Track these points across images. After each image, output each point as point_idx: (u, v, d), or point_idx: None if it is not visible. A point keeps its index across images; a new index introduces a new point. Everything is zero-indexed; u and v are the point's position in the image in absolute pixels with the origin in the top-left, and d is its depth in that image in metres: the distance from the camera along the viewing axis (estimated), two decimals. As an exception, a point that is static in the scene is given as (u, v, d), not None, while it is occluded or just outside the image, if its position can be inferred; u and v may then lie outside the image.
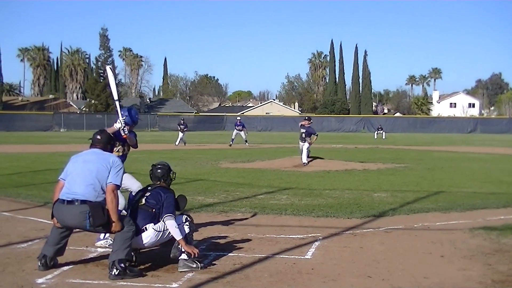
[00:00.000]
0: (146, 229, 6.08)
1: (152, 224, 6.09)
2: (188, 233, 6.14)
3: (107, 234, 6.83)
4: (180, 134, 32.31)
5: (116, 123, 7.08)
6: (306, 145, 19.04)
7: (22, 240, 7.32)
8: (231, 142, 32.09)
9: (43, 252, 5.89)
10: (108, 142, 6.33)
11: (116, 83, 8.08)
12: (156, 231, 6.09)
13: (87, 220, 5.67)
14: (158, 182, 6.39)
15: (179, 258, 6.02)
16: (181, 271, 5.94)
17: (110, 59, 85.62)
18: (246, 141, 32.68)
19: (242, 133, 32.94)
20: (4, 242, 7.23)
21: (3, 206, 10.07)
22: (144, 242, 6.09)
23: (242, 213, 9.51)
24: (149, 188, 6.38)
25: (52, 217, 5.93)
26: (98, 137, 6.27)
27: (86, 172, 5.85)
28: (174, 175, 6.59)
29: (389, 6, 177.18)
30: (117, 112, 7.28)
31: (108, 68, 7.67)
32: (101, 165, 5.90)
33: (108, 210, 5.78)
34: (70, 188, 5.82)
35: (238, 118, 35.60)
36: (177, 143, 31.70)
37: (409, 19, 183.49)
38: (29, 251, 6.69)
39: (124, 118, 7.27)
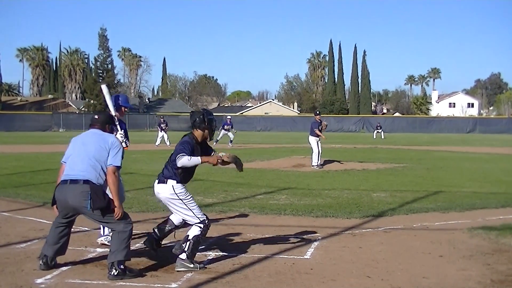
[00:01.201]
0: (165, 183, 6.11)
1: (175, 181, 6.08)
2: (196, 236, 6.08)
3: (107, 231, 6.85)
4: (160, 134, 31.85)
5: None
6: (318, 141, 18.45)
7: (21, 240, 7.32)
8: (214, 142, 32.07)
9: (43, 252, 5.87)
10: (106, 121, 6.27)
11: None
12: (175, 193, 6.07)
13: (88, 201, 5.59)
14: (193, 130, 6.34)
15: (178, 256, 6.03)
16: (178, 271, 5.94)
17: (109, 59, 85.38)
18: (231, 141, 32.59)
19: (230, 133, 32.85)
20: (3, 242, 7.24)
21: (2, 206, 10.08)
22: (157, 192, 6.16)
23: (241, 213, 9.52)
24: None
25: (53, 204, 5.88)
26: (96, 117, 6.24)
27: (85, 154, 5.80)
28: (214, 122, 6.45)
29: (388, 6, 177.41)
30: (116, 127, 7.24)
31: (103, 86, 7.62)
32: (99, 145, 5.86)
33: (108, 196, 5.77)
34: (72, 169, 5.78)
35: (229, 117, 35.08)
36: (157, 143, 31.30)
37: (408, 19, 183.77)
38: (28, 251, 6.69)
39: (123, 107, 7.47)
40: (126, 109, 7.73)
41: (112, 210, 5.73)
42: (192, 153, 6.05)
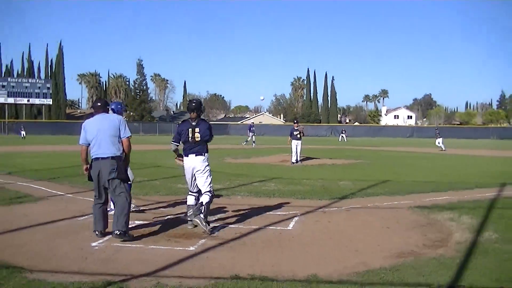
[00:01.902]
0: (203, 155, 6.33)
1: (207, 153, 6.39)
2: (207, 202, 6.21)
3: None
4: None
5: None
6: (299, 143, 17.88)
7: (81, 215, 7.33)
8: (249, 143, 31.85)
9: (96, 229, 5.89)
10: (106, 104, 6.27)
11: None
12: (208, 163, 6.35)
13: (115, 172, 5.73)
14: (192, 113, 6.43)
15: (197, 215, 6.11)
16: (193, 220, 6.15)
17: (144, 82, 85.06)
18: (246, 141, 32.65)
19: (253, 137, 32.63)
20: (68, 216, 7.25)
21: (67, 190, 10.05)
22: (194, 162, 6.31)
23: (241, 196, 9.51)
24: (193, 123, 6.39)
25: (89, 179, 5.93)
26: (99, 104, 6.10)
27: (107, 138, 5.79)
28: (203, 107, 6.63)
29: (351, 44, 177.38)
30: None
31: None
32: (112, 126, 5.86)
33: (127, 172, 6.06)
34: (99, 150, 5.78)
35: (252, 121, 34.34)
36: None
37: (365, 53, 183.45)
38: (86, 223, 6.70)
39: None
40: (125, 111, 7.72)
41: (126, 184, 5.88)
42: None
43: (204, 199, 6.23)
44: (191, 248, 5.46)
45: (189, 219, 6.48)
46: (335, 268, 4.76)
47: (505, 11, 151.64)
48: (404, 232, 6.39)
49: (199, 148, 6.33)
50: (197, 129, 6.35)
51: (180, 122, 6.72)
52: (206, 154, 6.38)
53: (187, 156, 6.36)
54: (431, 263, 4.92)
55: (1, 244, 5.56)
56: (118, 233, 5.62)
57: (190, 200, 6.55)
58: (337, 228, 6.64)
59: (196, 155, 6.29)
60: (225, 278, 4.39)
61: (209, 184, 6.33)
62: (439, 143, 30.40)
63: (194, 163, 6.31)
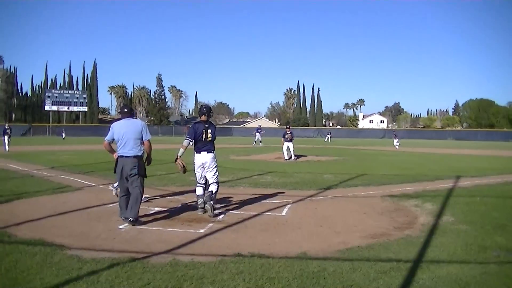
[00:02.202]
0: (213, 152, 6.34)
1: (215, 151, 6.42)
2: (216, 191, 6.28)
3: (116, 185, 7.07)
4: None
5: None
6: (291, 144, 17.77)
7: (110, 202, 7.28)
8: (257, 143, 31.81)
9: (122, 216, 5.85)
10: (131, 110, 6.17)
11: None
12: (215, 158, 6.40)
13: (136, 169, 5.67)
14: (204, 116, 6.40)
15: (208, 201, 6.17)
16: (205, 206, 6.18)
17: (163, 92, 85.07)
18: (260, 141, 32.74)
19: (259, 136, 32.57)
20: (99, 203, 7.22)
21: (99, 181, 10.02)
22: (207, 157, 6.29)
23: (243, 187, 9.49)
24: (206, 125, 6.36)
25: (115, 172, 5.84)
26: (125, 109, 6.04)
27: (131, 140, 5.73)
28: (212, 112, 6.61)
29: (333, 61, 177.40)
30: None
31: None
32: (137, 130, 5.79)
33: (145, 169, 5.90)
34: (125, 149, 5.72)
35: (260, 125, 34.51)
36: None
37: (345, 68, 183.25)
38: (114, 209, 6.65)
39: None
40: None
41: (142, 179, 5.76)
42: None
43: (213, 188, 6.30)
44: (201, 231, 5.45)
45: (199, 206, 6.47)
46: (321, 247, 4.75)
47: (460, 34, 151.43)
48: (377, 217, 6.39)
49: (210, 146, 6.35)
50: (209, 130, 6.37)
51: (193, 123, 6.69)
52: (214, 151, 6.40)
53: (200, 153, 6.36)
54: (400, 242, 4.91)
55: (46, 226, 5.55)
56: (131, 220, 5.60)
57: (199, 190, 6.54)
58: (323, 214, 6.63)
59: (207, 153, 6.32)
60: (230, 255, 4.38)
61: (217, 176, 6.37)
62: (396, 142, 31.51)
63: (205, 159, 6.33)
